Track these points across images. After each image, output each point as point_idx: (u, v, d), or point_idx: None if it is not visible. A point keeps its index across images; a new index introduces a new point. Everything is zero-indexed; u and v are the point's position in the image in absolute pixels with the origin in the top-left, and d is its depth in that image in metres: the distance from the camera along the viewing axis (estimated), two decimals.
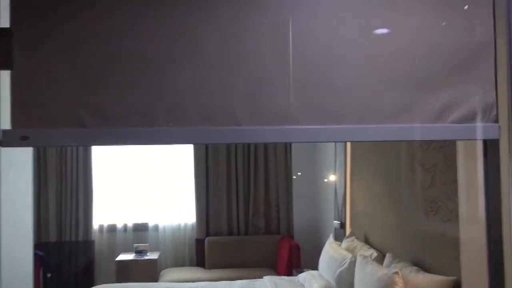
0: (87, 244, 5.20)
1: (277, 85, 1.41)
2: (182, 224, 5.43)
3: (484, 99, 1.50)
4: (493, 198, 1.54)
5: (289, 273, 4.57)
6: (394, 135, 1.51)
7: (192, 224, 5.44)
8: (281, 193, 5.49)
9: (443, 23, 1.51)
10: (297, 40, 1.43)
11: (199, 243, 5.35)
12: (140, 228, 5.40)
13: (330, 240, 4.14)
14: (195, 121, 1.34)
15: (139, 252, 5.03)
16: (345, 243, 4.02)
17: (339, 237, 4.31)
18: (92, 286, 4.00)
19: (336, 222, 4.59)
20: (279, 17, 1.43)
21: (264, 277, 4.07)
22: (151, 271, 4.83)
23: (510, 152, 1.49)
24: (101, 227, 5.32)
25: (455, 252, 2.42)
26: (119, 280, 4.64)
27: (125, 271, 4.79)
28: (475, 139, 1.55)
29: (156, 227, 5.41)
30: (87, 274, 5.16)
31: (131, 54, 1.35)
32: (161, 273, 5.02)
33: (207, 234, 5.39)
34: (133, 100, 1.33)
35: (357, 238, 3.99)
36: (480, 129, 1.50)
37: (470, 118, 1.50)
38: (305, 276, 3.84)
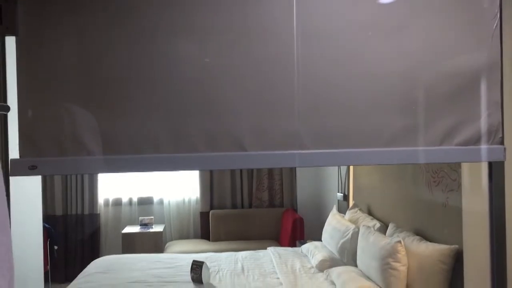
0: (93, 217, 5.27)
1: (281, 110, 1.41)
2: (187, 198, 5.49)
3: (489, 121, 1.50)
4: (496, 167, 1.55)
5: (292, 245, 4.63)
6: (399, 158, 1.50)
7: (196, 198, 5.49)
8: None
9: (449, 45, 1.50)
10: (302, 64, 1.42)
11: (204, 216, 5.41)
12: (145, 202, 5.46)
13: (334, 211, 4.19)
14: (201, 147, 1.36)
15: (144, 225, 5.10)
16: (348, 214, 4.06)
17: (342, 209, 4.35)
18: (98, 258, 4.07)
19: (340, 195, 4.63)
20: (285, 43, 1.42)
21: (268, 248, 4.13)
22: (156, 243, 4.91)
23: None
24: (106, 201, 5.38)
25: (457, 222, 2.45)
26: (125, 252, 4.73)
27: (130, 243, 4.87)
28: (481, 161, 1.55)
29: (161, 201, 5.47)
30: (93, 246, 5.24)
31: (136, 81, 1.35)
32: (166, 245, 5.10)
33: (211, 208, 5.45)
34: (139, 127, 1.34)
35: (360, 209, 4.03)
36: (486, 151, 1.50)
37: (475, 140, 1.50)
38: (308, 247, 3.89)
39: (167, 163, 1.34)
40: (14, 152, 1.30)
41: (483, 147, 1.49)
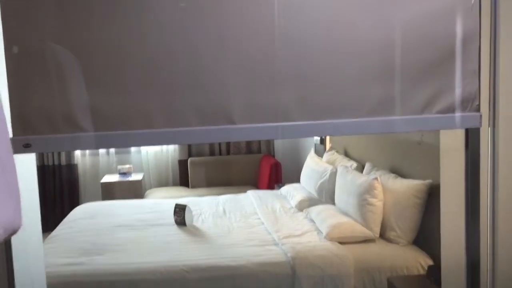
0: (71, 167, 5.25)
1: (266, 84, 1.43)
2: (164, 146, 5.49)
3: (467, 89, 1.53)
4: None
5: (271, 188, 4.75)
6: (381, 128, 1.54)
7: (174, 147, 5.51)
8: None
9: (429, 15, 1.50)
10: (283, 36, 1.42)
11: (182, 164, 5.46)
12: (123, 151, 5.44)
13: (311, 154, 4.28)
14: (192, 121, 1.38)
15: (123, 173, 5.12)
16: (325, 157, 4.16)
17: (320, 153, 4.45)
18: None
19: (316, 138, 4.72)
20: (265, 16, 1.42)
21: (248, 191, 4.23)
22: (136, 192, 4.95)
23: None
24: (83, 150, 5.34)
25: (431, 158, 2.56)
26: (106, 200, 4.76)
27: (110, 192, 4.90)
28: (458, 128, 1.60)
29: (138, 150, 5.47)
30: (73, 196, 5.25)
31: (127, 57, 1.34)
32: (146, 193, 5.15)
33: (189, 155, 5.49)
34: (131, 104, 1.33)
35: (337, 151, 4.13)
36: (463, 119, 1.54)
37: (453, 108, 1.54)
38: (287, 189, 4.00)
39: (158, 138, 1.36)
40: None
41: (461, 114, 1.54)
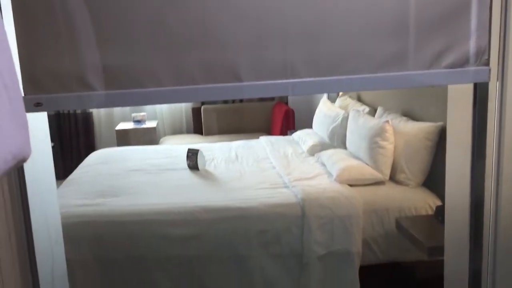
0: (86, 116, 5.32)
1: (274, 41, 1.40)
2: None
3: (477, 43, 1.49)
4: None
5: (283, 135, 4.77)
6: (389, 83, 1.52)
7: None
8: None
9: None
10: None
11: (196, 111, 5.49)
12: None
13: (324, 99, 4.26)
14: (199, 79, 1.37)
15: (137, 121, 5.17)
16: (338, 102, 4.14)
17: (332, 99, 4.42)
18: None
19: None
20: None
21: (260, 137, 4.25)
22: (150, 138, 5.02)
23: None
24: None
25: (443, 100, 2.52)
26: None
27: (125, 139, 4.97)
28: (467, 83, 1.57)
29: None
30: (88, 143, 5.35)
31: (134, 16, 1.31)
32: (161, 140, 5.22)
33: (203, 103, 5.50)
34: (139, 62, 1.33)
35: (350, 97, 4.11)
36: (472, 73, 1.51)
37: (462, 62, 1.50)
38: (299, 135, 4.02)
39: (167, 96, 1.37)
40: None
41: (470, 68, 1.51)
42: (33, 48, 1.28)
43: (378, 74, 1.47)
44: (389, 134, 2.87)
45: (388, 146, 2.87)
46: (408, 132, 2.85)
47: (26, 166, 1.33)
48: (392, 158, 2.90)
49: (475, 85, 1.57)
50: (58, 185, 3.64)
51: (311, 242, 2.53)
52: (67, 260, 2.41)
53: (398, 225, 2.53)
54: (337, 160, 3.05)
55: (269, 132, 5.28)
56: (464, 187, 1.65)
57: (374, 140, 2.91)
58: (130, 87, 1.33)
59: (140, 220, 2.52)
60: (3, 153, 0.81)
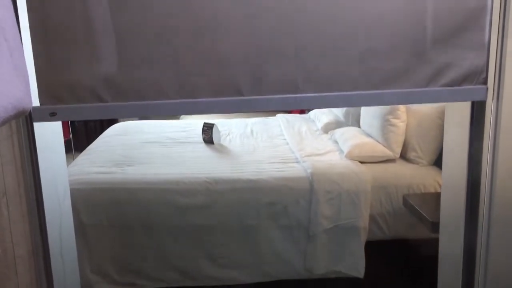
0: None
1: (276, 57, 1.45)
2: None
3: (475, 62, 1.51)
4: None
5: (300, 113, 4.79)
6: (388, 100, 1.55)
7: None
8: None
9: None
10: (293, 9, 1.43)
11: None
12: None
13: None
14: (202, 93, 1.45)
15: None
16: None
17: None
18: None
19: None
20: None
21: (277, 115, 4.29)
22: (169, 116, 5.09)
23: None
24: None
25: None
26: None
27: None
28: (464, 101, 1.59)
29: None
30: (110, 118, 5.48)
31: (140, 29, 1.38)
32: (182, 116, 5.30)
33: None
34: (146, 75, 1.41)
35: None
36: (469, 92, 1.53)
37: (460, 81, 1.52)
38: (316, 113, 4.04)
39: (171, 109, 1.46)
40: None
41: (468, 87, 1.53)
42: (49, 61, 1.37)
43: (378, 91, 1.51)
44: (401, 112, 2.87)
45: (400, 124, 2.88)
46: (420, 111, 2.84)
47: (37, 129, 1.42)
48: (403, 137, 2.90)
49: (473, 103, 1.61)
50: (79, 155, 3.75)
51: (318, 216, 2.58)
52: (83, 224, 2.53)
53: (405, 201, 2.55)
54: (349, 137, 3.07)
55: (288, 111, 5.31)
56: (461, 166, 1.67)
57: (386, 118, 2.91)
58: (136, 99, 1.43)
59: (152, 189, 2.61)
60: (3, 101, 0.87)
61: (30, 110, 1.37)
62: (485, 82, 1.53)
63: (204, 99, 1.46)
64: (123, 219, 2.57)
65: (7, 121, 0.91)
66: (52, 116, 1.40)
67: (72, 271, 1.59)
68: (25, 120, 1.40)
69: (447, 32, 1.49)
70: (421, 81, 1.51)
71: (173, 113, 1.51)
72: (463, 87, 1.53)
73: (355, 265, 2.63)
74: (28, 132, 1.41)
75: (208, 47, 1.42)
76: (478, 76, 1.53)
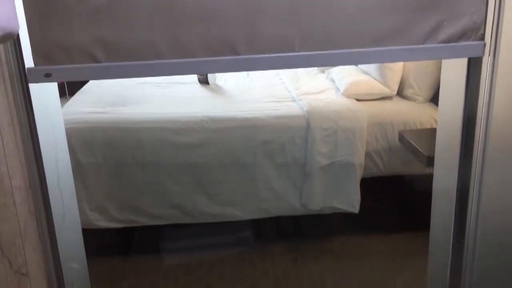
0: None
1: (271, 15, 1.40)
2: None
3: (473, 18, 1.46)
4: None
5: None
6: (384, 58, 1.50)
7: None
8: None
9: None
10: None
11: None
12: None
13: None
14: (198, 52, 1.41)
15: None
16: None
17: None
18: None
19: None
20: None
21: None
22: None
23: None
24: None
25: None
26: None
27: None
28: (461, 57, 1.54)
29: None
30: None
31: None
32: None
33: None
34: (140, 35, 1.38)
35: None
36: (467, 48, 1.49)
37: (457, 37, 1.48)
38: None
39: (166, 68, 1.43)
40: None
41: (465, 43, 1.49)
42: (42, 22, 1.34)
43: (373, 49, 1.47)
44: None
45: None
46: None
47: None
48: (400, 73, 2.87)
49: (469, 59, 1.58)
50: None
51: (315, 153, 2.59)
52: (81, 163, 2.54)
53: (401, 137, 2.56)
54: (345, 76, 3.04)
55: None
56: (458, 102, 1.67)
57: None
58: (130, 59, 1.40)
59: (149, 127, 2.60)
60: None
61: (26, 71, 1.37)
62: (482, 38, 1.52)
63: (199, 59, 1.44)
64: (120, 158, 2.58)
65: None
66: (47, 77, 1.40)
67: (70, 199, 1.61)
68: (20, 80, 1.38)
69: None
70: (419, 37, 1.49)
71: (168, 74, 1.50)
72: (459, 43, 1.51)
73: (350, 200, 2.67)
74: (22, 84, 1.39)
75: (202, 3, 1.39)
76: (476, 32, 1.52)
